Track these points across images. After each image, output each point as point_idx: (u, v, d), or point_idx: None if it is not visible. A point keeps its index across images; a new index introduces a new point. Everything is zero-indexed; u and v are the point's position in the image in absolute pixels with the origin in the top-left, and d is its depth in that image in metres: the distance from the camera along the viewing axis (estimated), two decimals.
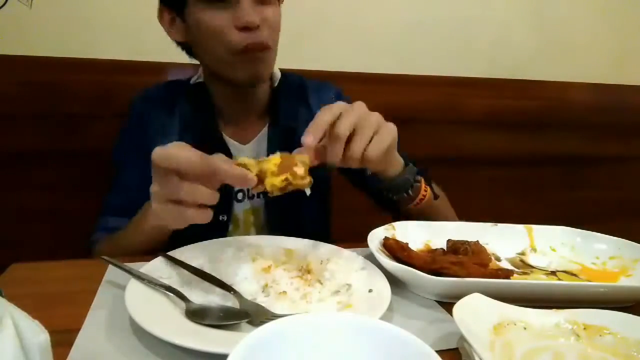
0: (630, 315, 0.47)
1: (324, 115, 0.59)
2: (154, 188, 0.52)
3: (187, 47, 0.86)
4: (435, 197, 0.80)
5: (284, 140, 0.83)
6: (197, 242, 0.64)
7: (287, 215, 0.86)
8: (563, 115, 1.54)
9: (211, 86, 0.88)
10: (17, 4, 1.08)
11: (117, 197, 0.85)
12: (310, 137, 0.57)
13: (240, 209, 0.88)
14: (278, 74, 0.91)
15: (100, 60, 1.14)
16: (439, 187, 0.85)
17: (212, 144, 0.80)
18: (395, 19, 1.39)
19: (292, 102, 0.91)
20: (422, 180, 0.77)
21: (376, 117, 0.62)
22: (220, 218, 0.84)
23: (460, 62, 1.46)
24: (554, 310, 0.48)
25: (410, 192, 0.75)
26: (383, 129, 0.62)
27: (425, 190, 0.76)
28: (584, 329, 0.46)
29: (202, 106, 0.87)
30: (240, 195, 0.88)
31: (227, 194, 0.85)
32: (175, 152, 0.50)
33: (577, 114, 1.55)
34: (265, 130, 0.89)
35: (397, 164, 0.73)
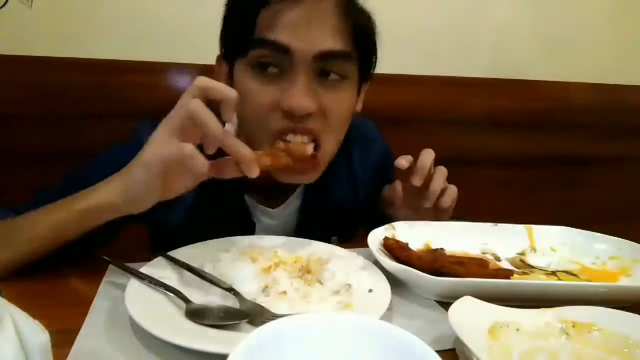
0: (616, 310, 0.48)
1: (426, 161, 0.69)
2: (167, 120, 0.51)
3: None
4: None
5: (318, 199, 0.78)
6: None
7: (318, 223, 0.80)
8: (563, 115, 1.54)
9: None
10: (17, 4, 1.08)
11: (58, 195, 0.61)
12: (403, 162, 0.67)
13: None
14: None
15: (100, 60, 1.14)
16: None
17: (232, 208, 0.74)
18: (395, 19, 1.39)
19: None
20: None
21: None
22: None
23: (460, 62, 1.46)
24: (542, 309, 0.48)
25: None
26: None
27: None
28: (573, 326, 0.47)
29: None
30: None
31: None
32: (209, 116, 0.49)
33: (577, 114, 1.55)
34: (299, 190, 0.79)
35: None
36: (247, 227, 0.75)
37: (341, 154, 0.73)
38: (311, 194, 0.79)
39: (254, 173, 0.53)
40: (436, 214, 0.73)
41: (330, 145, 0.66)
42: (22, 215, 0.59)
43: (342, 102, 0.64)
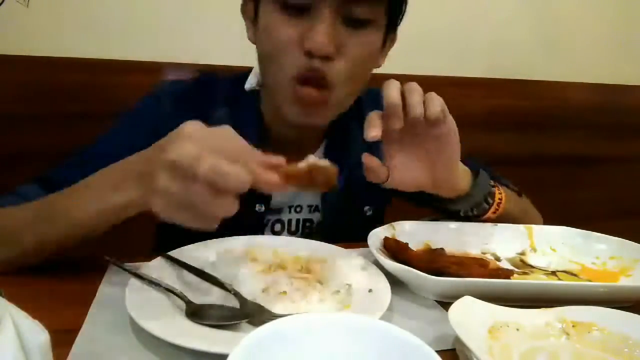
0: (616, 310, 0.48)
1: (394, 97, 0.54)
2: (163, 183, 0.41)
3: None
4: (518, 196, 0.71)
5: (349, 169, 0.72)
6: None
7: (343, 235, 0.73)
8: (563, 115, 1.54)
9: (265, 99, 0.73)
10: (14, 3, 1.08)
11: (66, 173, 0.63)
12: (373, 132, 0.53)
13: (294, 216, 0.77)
14: None
15: (99, 60, 1.14)
16: (516, 188, 0.76)
17: None
18: None
19: (348, 119, 0.75)
20: (497, 189, 0.69)
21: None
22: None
23: (459, 62, 1.46)
24: (542, 309, 0.48)
25: (482, 207, 0.69)
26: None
27: (500, 200, 0.69)
28: (573, 326, 0.47)
29: (246, 121, 0.69)
30: (298, 208, 0.77)
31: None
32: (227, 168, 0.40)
33: (577, 114, 1.55)
34: (319, 152, 0.76)
35: (461, 175, 0.67)
36: (267, 199, 0.72)
37: (354, 114, 0.72)
38: (330, 152, 0.74)
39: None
40: (433, 130, 0.60)
41: (343, 91, 0.63)
42: (61, 193, 0.55)
43: (365, 47, 0.61)
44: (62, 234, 0.54)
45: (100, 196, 0.50)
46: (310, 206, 0.77)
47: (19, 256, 0.56)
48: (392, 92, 0.53)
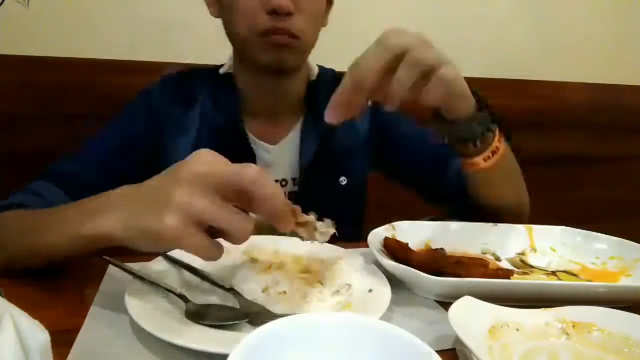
0: (616, 310, 0.48)
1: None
2: (183, 198, 0.41)
3: None
4: (516, 150, 0.67)
5: (321, 138, 0.80)
6: None
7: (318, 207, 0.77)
8: (561, 115, 1.54)
9: (240, 76, 0.81)
10: (14, 4, 1.08)
11: (70, 165, 0.74)
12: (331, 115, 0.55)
13: None
14: (315, 68, 0.86)
15: (100, 60, 1.14)
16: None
17: (233, 143, 0.76)
18: (394, 19, 1.39)
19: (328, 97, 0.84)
20: (497, 131, 0.64)
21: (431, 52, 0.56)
22: None
23: (458, 62, 1.45)
24: (542, 309, 0.48)
25: (477, 143, 0.63)
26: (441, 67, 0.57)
27: (498, 146, 0.64)
28: (573, 326, 0.47)
29: (226, 99, 0.80)
30: (284, 182, 0.82)
31: None
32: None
33: (576, 114, 1.55)
34: (298, 127, 0.82)
35: (464, 101, 0.63)
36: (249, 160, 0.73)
37: (331, 89, 0.79)
38: (312, 128, 0.81)
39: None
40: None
41: (307, 37, 0.75)
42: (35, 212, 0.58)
43: (314, 4, 0.75)
44: (50, 246, 0.52)
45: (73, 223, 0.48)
46: (294, 179, 0.82)
47: (6, 262, 0.56)
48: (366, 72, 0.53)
